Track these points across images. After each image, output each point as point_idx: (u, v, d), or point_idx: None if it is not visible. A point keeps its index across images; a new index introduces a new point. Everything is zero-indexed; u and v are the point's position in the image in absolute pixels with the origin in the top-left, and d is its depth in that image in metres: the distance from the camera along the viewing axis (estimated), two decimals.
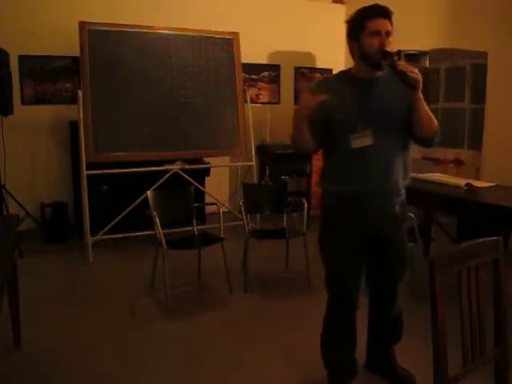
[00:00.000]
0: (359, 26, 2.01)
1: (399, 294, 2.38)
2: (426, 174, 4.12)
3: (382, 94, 2.08)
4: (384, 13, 1.98)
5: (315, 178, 5.79)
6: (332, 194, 2.22)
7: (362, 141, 2.05)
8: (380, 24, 1.97)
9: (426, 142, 2.15)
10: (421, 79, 1.92)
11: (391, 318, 2.45)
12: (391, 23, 2.00)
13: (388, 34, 1.98)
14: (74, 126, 4.96)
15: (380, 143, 2.06)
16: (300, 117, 2.04)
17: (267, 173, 6.09)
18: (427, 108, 2.04)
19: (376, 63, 2.01)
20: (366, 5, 2.03)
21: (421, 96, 1.99)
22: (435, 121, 2.07)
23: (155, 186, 4.52)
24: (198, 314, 3.40)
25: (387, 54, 1.96)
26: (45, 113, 5.25)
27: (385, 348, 2.51)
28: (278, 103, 6.53)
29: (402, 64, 1.93)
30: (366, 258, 2.26)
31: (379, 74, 2.08)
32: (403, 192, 2.21)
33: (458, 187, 3.62)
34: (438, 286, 1.47)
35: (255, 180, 5.55)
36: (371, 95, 2.08)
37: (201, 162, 5.45)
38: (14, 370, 2.64)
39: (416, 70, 1.91)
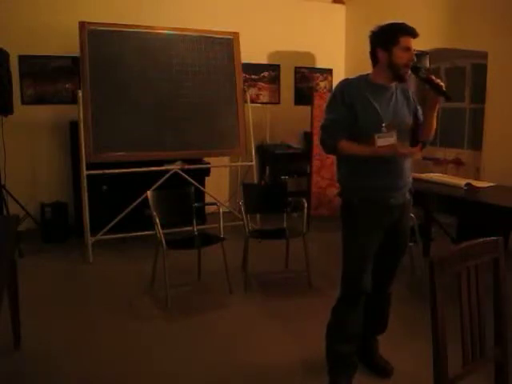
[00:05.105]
0: (393, 39, 2.23)
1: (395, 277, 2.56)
2: (425, 174, 4.12)
3: (398, 100, 2.35)
4: (415, 33, 2.25)
5: (315, 177, 5.79)
6: (353, 189, 2.38)
7: (386, 140, 2.24)
8: (411, 42, 2.24)
9: (424, 144, 2.46)
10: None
11: (385, 298, 2.59)
12: None
13: (414, 51, 2.27)
14: (74, 126, 4.96)
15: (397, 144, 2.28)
16: (390, 154, 2.24)
17: (267, 173, 6.09)
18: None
19: (401, 75, 2.27)
20: (398, 21, 2.26)
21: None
22: None
23: (155, 186, 4.52)
24: (198, 314, 3.40)
25: (418, 69, 2.25)
26: (45, 113, 5.26)
27: (371, 336, 2.63)
28: (278, 103, 6.54)
29: (435, 77, 2.22)
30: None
31: (393, 83, 2.33)
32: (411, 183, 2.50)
33: (457, 187, 3.63)
34: (438, 286, 1.47)
35: (255, 180, 5.55)
36: (391, 100, 2.33)
37: (201, 162, 5.45)
38: (14, 370, 2.64)
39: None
